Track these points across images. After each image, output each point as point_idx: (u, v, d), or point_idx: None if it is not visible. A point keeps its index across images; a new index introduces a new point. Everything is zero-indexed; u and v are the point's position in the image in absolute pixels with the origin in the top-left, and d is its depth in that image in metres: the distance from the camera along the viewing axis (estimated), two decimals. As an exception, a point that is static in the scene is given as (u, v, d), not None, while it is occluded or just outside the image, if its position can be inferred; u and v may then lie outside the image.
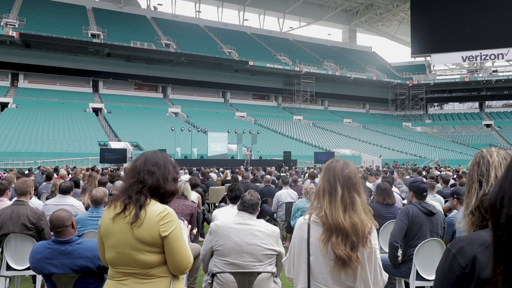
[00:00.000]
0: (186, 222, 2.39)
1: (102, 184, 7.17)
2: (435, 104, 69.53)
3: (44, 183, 8.95)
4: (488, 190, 1.34)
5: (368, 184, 9.38)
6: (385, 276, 2.26)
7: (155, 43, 50.37)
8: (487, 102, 66.28)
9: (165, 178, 2.17)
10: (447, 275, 1.19)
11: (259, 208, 3.55)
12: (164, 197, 2.17)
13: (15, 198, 4.70)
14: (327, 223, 2.15)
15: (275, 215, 8.06)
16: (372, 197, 7.54)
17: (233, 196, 4.80)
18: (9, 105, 40.98)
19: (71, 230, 3.12)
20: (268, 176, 9.81)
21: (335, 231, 2.14)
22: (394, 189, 7.19)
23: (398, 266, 4.25)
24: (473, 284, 1.11)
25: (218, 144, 31.38)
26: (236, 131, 32.93)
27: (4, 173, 12.09)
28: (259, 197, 3.54)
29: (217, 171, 17.32)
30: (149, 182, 2.13)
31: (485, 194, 1.33)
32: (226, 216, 4.48)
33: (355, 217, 2.15)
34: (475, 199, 1.35)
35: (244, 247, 3.22)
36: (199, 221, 6.80)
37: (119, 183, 6.03)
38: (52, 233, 3.18)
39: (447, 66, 67.93)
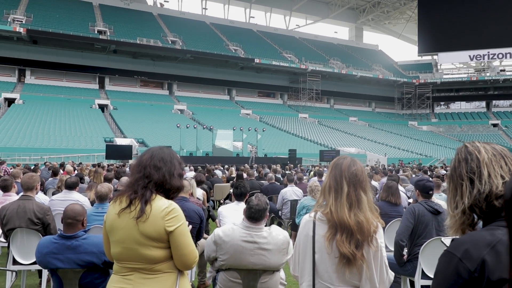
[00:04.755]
0: (187, 222, 2.38)
1: (107, 180, 7.20)
2: (442, 103, 69.18)
3: (50, 179, 9.00)
4: (484, 189, 1.26)
5: (373, 182, 9.35)
6: (391, 274, 2.24)
7: (161, 40, 50.43)
8: (494, 102, 65.83)
9: (171, 174, 2.17)
10: (453, 281, 1.11)
11: (267, 214, 3.32)
12: (170, 192, 2.17)
13: (22, 193, 4.72)
14: (332, 220, 2.14)
15: (280, 212, 8.06)
16: (377, 196, 7.52)
17: (238, 193, 4.80)
18: (16, 101, 41.22)
19: (80, 227, 3.14)
20: (270, 175, 9.80)
21: (340, 229, 2.12)
22: (399, 187, 7.16)
23: (404, 264, 4.24)
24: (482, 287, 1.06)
25: (223, 142, 31.42)
26: (241, 128, 32.92)
27: (10, 169, 12.17)
28: (267, 201, 3.32)
29: (222, 168, 17.35)
30: (155, 177, 2.12)
31: (481, 193, 1.26)
32: (232, 216, 4.45)
33: (360, 215, 2.14)
34: (468, 198, 1.28)
35: (250, 266, 3.16)
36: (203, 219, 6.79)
37: (124, 179, 6.05)
38: (58, 227, 3.20)
39: (454, 65, 67.49)
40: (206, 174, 11.82)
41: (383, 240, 2.23)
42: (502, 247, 1.08)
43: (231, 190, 10.47)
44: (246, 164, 20.73)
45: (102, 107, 45.24)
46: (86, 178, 9.73)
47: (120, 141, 32.02)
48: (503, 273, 1.04)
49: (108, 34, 48.05)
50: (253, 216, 3.18)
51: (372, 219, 2.16)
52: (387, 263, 2.21)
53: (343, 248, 2.08)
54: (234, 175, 13.08)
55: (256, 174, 12.39)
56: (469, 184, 1.30)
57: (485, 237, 1.13)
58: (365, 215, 2.15)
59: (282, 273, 3.45)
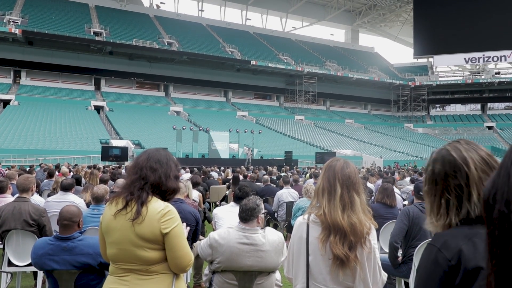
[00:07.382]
0: (185, 224, 2.39)
1: (103, 181, 7.19)
2: (437, 105, 69.43)
3: (45, 180, 8.98)
4: (473, 210, 1.23)
5: (369, 184, 9.39)
6: (384, 275, 2.26)
7: (157, 42, 50.37)
8: (489, 104, 66.12)
9: (167, 176, 2.18)
10: (433, 270, 1.17)
11: (260, 215, 3.29)
12: (166, 194, 2.18)
13: (17, 195, 4.72)
14: (326, 222, 2.15)
15: (275, 214, 8.07)
16: (373, 198, 7.55)
17: (239, 196, 4.74)
18: (11, 102, 41.02)
19: (76, 228, 3.14)
20: (265, 177, 9.82)
21: (333, 230, 2.14)
22: (395, 189, 7.19)
23: (398, 266, 4.26)
24: (460, 276, 1.12)
25: (219, 143, 31.42)
26: (237, 130, 32.94)
27: (5, 170, 12.13)
28: (257, 202, 3.29)
29: (218, 170, 17.35)
30: (151, 179, 2.14)
31: (469, 213, 1.24)
32: (227, 218, 4.45)
33: (353, 217, 2.15)
34: (456, 216, 1.25)
35: (246, 268, 3.17)
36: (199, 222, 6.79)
37: (121, 181, 6.05)
38: (54, 229, 3.20)
39: (450, 67, 67.81)
40: (202, 176, 11.83)
41: (376, 242, 2.25)
42: (479, 239, 1.15)
43: (227, 192, 10.49)
44: (242, 166, 20.74)
45: (98, 109, 45.10)
46: (82, 180, 9.71)
47: (116, 143, 31.90)
48: (479, 261, 1.10)
49: (104, 35, 47.94)
50: (242, 216, 3.23)
51: (365, 221, 2.18)
52: (380, 264, 2.23)
53: (337, 250, 2.10)
54: (230, 177, 13.09)
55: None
56: (457, 202, 1.26)
57: (464, 230, 1.20)
58: (358, 216, 2.17)
59: (278, 275, 3.47)
